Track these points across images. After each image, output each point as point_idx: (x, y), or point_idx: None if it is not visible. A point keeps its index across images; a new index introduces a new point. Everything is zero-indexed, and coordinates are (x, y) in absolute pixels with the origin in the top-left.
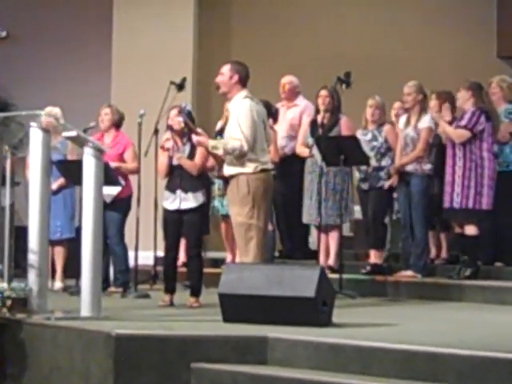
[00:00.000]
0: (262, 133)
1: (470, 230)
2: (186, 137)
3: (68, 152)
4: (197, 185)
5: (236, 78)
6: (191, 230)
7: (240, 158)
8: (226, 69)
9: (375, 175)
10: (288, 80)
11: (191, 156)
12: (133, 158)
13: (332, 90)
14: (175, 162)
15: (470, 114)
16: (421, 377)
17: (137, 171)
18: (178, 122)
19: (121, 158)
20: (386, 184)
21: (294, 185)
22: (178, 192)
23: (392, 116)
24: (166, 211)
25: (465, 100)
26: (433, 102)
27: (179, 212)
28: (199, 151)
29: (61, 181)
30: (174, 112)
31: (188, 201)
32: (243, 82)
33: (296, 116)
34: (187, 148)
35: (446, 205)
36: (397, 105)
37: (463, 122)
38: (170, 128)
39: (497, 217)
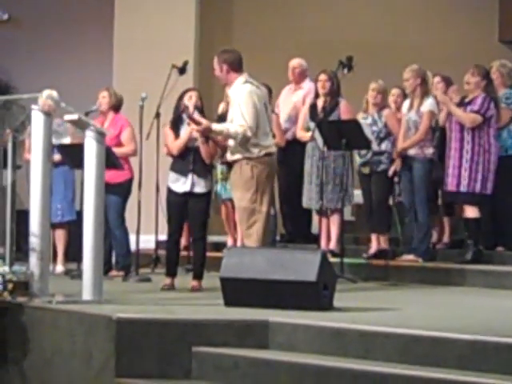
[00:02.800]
0: (265, 116)
1: (471, 212)
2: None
3: (68, 135)
4: (207, 170)
5: (225, 67)
6: (198, 214)
7: (243, 143)
8: (214, 63)
9: (376, 159)
10: (297, 63)
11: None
12: (129, 139)
13: (331, 74)
14: (198, 143)
15: (481, 100)
16: (423, 361)
17: (133, 154)
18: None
19: (117, 141)
20: (390, 170)
21: (295, 169)
22: (190, 175)
23: (390, 102)
24: (172, 193)
25: (477, 86)
26: (440, 85)
27: (186, 195)
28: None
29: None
30: (190, 94)
31: (199, 185)
32: (235, 67)
33: (300, 99)
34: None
35: (451, 188)
36: (394, 91)
37: (476, 107)
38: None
39: (496, 201)
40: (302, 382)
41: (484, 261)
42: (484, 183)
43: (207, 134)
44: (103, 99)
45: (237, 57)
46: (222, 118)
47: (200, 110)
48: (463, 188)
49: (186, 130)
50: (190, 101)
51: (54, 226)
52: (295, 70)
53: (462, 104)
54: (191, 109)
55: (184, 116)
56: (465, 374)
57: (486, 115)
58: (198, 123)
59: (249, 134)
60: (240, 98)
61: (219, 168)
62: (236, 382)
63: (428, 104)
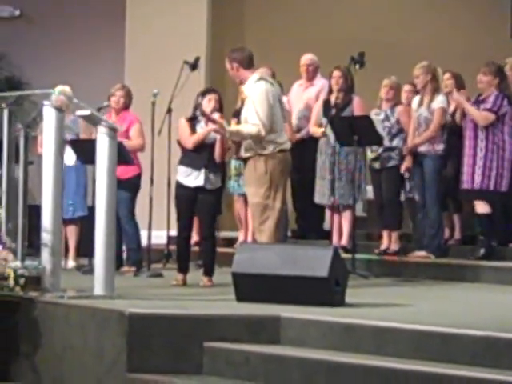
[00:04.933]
0: (279, 114)
1: (482, 207)
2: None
3: (81, 131)
4: (218, 167)
5: (235, 65)
6: (207, 209)
7: (258, 142)
8: (226, 63)
9: (387, 155)
10: (310, 60)
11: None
12: (137, 135)
13: (345, 70)
14: (210, 141)
15: (493, 98)
16: (435, 357)
17: (141, 148)
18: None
19: (126, 136)
20: (403, 167)
21: (308, 165)
22: (204, 170)
23: (403, 98)
24: (181, 188)
25: (490, 85)
26: (449, 81)
27: (197, 190)
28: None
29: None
30: (209, 97)
31: (211, 182)
32: (245, 65)
33: (312, 96)
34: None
35: (466, 186)
36: (407, 87)
37: (488, 105)
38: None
39: (508, 198)
40: (313, 377)
41: (496, 257)
42: (498, 180)
43: (222, 134)
44: (121, 98)
45: (246, 54)
46: (237, 116)
47: (218, 112)
48: (476, 186)
49: (204, 128)
50: (210, 103)
51: (66, 222)
52: (309, 68)
53: (477, 102)
54: (209, 112)
55: (199, 115)
56: (477, 371)
57: (498, 113)
58: (214, 121)
59: (263, 133)
60: (254, 96)
61: (232, 164)
62: (247, 378)
63: (439, 101)
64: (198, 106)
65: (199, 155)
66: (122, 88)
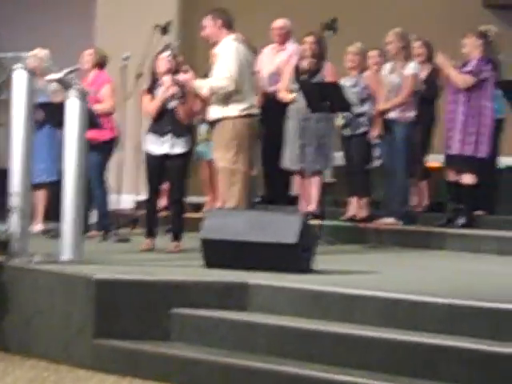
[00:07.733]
0: (247, 77)
1: (468, 178)
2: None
3: (52, 94)
4: (186, 130)
5: (219, 22)
6: (177, 175)
7: (226, 98)
8: (207, 19)
9: (356, 121)
10: (282, 24)
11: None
12: (107, 96)
13: (318, 36)
14: (171, 105)
15: (476, 61)
16: (401, 324)
17: (110, 111)
18: (164, 62)
19: (97, 98)
20: (373, 134)
21: (276, 131)
22: (169, 136)
23: (370, 64)
24: (150, 155)
25: (473, 47)
26: (420, 50)
27: (164, 157)
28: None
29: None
30: (164, 55)
31: (178, 146)
32: (228, 25)
33: (284, 60)
34: (178, 93)
35: (446, 151)
36: (372, 53)
37: (469, 68)
38: (167, 72)
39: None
40: (281, 344)
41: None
42: (476, 146)
43: (190, 89)
44: (88, 57)
45: (230, 17)
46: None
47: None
48: (455, 151)
49: (161, 91)
50: (161, 63)
51: (35, 186)
52: (280, 31)
53: (462, 66)
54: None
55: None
56: (442, 338)
57: (479, 77)
58: (178, 64)
59: (231, 87)
60: (225, 52)
61: (201, 129)
62: (215, 344)
63: (411, 67)
64: (155, 72)
65: (162, 121)
66: (89, 47)
